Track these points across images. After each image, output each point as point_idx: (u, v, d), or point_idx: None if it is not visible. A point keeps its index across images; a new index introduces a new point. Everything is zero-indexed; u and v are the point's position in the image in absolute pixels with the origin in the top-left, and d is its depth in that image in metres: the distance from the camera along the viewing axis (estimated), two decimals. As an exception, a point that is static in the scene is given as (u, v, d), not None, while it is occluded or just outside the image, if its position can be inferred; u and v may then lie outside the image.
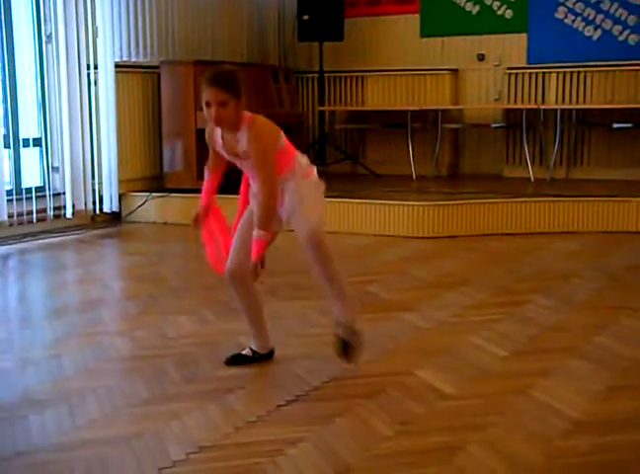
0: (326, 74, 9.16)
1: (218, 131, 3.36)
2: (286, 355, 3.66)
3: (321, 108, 9.17)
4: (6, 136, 6.68)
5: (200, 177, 7.72)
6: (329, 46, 9.00)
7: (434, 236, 6.55)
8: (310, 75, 9.43)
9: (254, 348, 3.59)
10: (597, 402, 3.11)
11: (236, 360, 3.56)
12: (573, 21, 8.34)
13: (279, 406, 3.08)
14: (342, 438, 2.79)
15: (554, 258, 5.87)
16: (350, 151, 9.14)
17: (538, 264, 5.66)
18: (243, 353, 3.59)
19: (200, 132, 7.42)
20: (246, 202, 3.57)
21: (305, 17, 8.85)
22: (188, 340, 3.95)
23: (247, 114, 3.28)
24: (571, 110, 8.29)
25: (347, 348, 3.45)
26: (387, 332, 4.04)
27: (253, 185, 3.44)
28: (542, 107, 8.33)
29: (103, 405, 3.11)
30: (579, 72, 8.34)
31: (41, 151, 7.16)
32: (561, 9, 8.37)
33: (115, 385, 3.33)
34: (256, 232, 3.32)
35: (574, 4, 8.31)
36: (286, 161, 3.37)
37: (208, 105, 3.20)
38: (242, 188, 3.62)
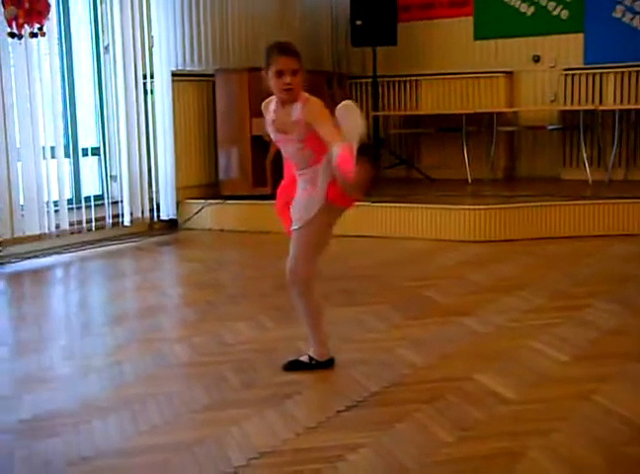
0: (380, 79, 9.15)
1: (271, 108, 3.39)
2: (344, 360, 3.66)
3: (375, 113, 9.16)
4: (66, 146, 6.80)
5: (256, 183, 7.80)
6: (382, 51, 8.99)
7: (490, 240, 6.50)
8: (364, 80, 9.43)
9: (312, 355, 3.60)
10: (661, 407, 3.06)
11: (293, 366, 3.58)
12: (631, 19, 8.21)
13: (338, 412, 3.08)
14: (402, 444, 2.78)
15: (613, 261, 5.78)
16: (404, 156, 9.12)
17: (597, 267, 5.58)
18: (301, 359, 3.60)
19: (256, 139, 7.54)
20: (290, 197, 3.50)
21: (358, 22, 8.85)
22: (246, 346, 3.97)
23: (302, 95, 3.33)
24: (629, 110, 8.16)
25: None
26: (445, 336, 4.01)
27: (298, 173, 3.41)
28: (600, 108, 8.21)
29: (164, 411, 3.14)
30: (637, 72, 8.20)
31: (100, 160, 7.27)
32: (619, 8, 8.25)
33: (175, 391, 3.36)
34: (335, 148, 3.12)
35: (632, 2, 8.18)
36: (321, 150, 3.29)
37: (281, 74, 3.26)
38: (284, 183, 3.60)
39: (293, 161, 3.42)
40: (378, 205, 6.82)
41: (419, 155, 9.23)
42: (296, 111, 3.30)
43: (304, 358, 3.59)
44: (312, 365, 3.56)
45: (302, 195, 3.40)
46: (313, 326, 3.56)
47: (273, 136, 3.44)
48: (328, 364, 3.58)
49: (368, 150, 3.04)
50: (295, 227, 3.45)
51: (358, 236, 6.85)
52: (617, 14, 8.27)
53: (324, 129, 3.22)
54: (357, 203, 3.43)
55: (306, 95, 3.33)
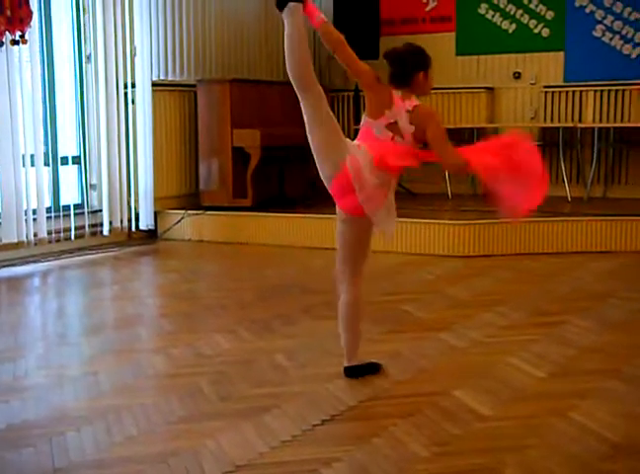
0: (361, 93, 9.17)
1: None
2: (322, 374, 3.65)
3: (357, 126, 9.16)
4: (46, 154, 6.77)
5: (237, 195, 7.79)
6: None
7: (469, 255, 6.52)
8: (346, 93, 9.46)
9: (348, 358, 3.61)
10: (636, 425, 3.07)
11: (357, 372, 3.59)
12: (611, 39, 8.29)
13: (314, 425, 3.07)
14: (377, 459, 2.77)
15: (591, 278, 5.81)
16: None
17: (575, 284, 5.60)
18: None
19: (237, 151, 7.53)
20: None
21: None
22: (223, 358, 3.96)
23: None
24: (608, 128, 8.22)
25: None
26: (423, 351, 4.01)
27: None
28: (579, 125, 8.27)
29: (139, 422, 3.12)
30: (617, 90, 8.28)
31: (80, 169, 7.24)
32: (599, 27, 8.32)
33: (150, 403, 3.34)
34: None
35: (612, 22, 8.27)
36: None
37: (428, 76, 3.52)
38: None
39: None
40: (358, 219, 6.81)
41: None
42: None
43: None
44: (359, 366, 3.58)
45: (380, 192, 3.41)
46: (355, 334, 3.58)
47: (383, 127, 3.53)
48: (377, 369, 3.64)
49: None
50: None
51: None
52: (597, 33, 8.35)
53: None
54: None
55: None
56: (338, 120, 9.71)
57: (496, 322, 4.56)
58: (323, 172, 3.43)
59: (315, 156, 3.42)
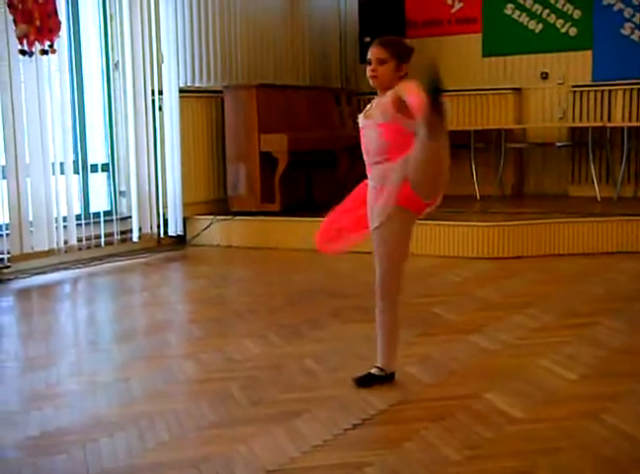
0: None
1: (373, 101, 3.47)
2: (352, 377, 3.65)
3: (383, 129, 9.16)
4: (75, 162, 6.82)
5: (264, 200, 7.81)
6: (391, 68, 9.00)
7: (498, 257, 6.49)
8: (372, 96, 9.42)
9: (380, 365, 3.57)
10: (670, 427, 3.04)
11: (366, 382, 3.54)
12: None
13: (345, 430, 3.06)
14: (409, 463, 2.76)
15: (622, 278, 5.76)
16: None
17: (606, 285, 5.56)
18: (372, 372, 3.57)
19: (264, 156, 7.55)
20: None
21: (367, 39, 8.86)
22: (253, 363, 3.97)
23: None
24: (638, 127, 8.15)
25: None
26: (453, 354, 4.00)
27: (371, 164, 3.47)
28: (609, 125, 8.20)
29: (171, 428, 3.14)
30: (646, 89, 8.21)
31: (109, 176, 7.30)
32: (627, 25, 8.25)
33: (182, 408, 3.35)
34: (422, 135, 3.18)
35: (641, 20, 8.20)
36: (397, 147, 3.37)
37: (370, 63, 3.40)
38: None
39: (369, 148, 3.46)
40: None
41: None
42: (387, 95, 3.36)
43: (375, 371, 3.56)
44: (385, 378, 3.54)
45: (373, 194, 3.46)
46: (390, 340, 3.54)
47: (360, 124, 3.50)
48: (392, 377, 3.58)
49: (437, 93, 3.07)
50: (374, 226, 3.46)
51: (367, 253, 6.83)
52: (626, 31, 8.28)
53: (410, 94, 3.21)
54: (427, 211, 3.46)
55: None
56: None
57: (526, 324, 4.53)
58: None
59: None
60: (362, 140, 3.51)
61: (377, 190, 3.43)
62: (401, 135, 3.35)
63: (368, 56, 3.41)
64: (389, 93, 3.35)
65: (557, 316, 4.71)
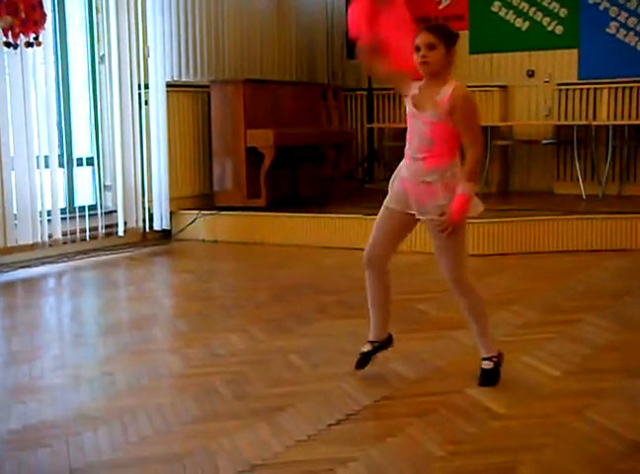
0: (375, 92, 9.17)
1: (416, 85, 3.40)
2: (337, 373, 3.66)
3: (370, 125, 9.18)
4: (60, 156, 6.79)
5: (250, 195, 7.81)
6: (378, 64, 8.99)
7: (483, 254, 6.50)
8: (359, 93, 9.46)
9: (373, 338, 3.61)
10: (653, 423, 3.05)
11: (365, 361, 3.57)
12: (625, 36, 8.26)
13: (329, 425, 3.07)
14: (393, 458, 2.77)
15: (606, 276, 5.79)
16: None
17: (590, 282, 5.58)
18: (364, 350, 3.60)
19: (250, 151, 7.54)
20: None
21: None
22: (238, 358, 3.96)
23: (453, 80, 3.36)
24: (623, 125, 8.19)
25: (485, 377, 3.48)
26: (438, 350, 4.01)
27: (413, 150, 3.41)
28: (594, 123, 8.24)
29: (154, 422, 3.13)
30: (631, 88, 8.24)
31: (94, 170, 7.26)
32: (613, 24, 8.29)
33: (166, 402, 3.35)
34: (462, 187, 3.28)
35: (626, 18, 8.23)
36: (444, 147, 3.36)
37: (418, 49, 3.32)
38: None
39: (413, 140, 3.41)
40: (373, 218, 6.82)
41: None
42: (446, 92, 3.31)
43: (367, 348, 3.59)
44: (377, 349, 3.59)
45: (419, 189, 3.38)
46: (383, 307, 3.59)
47: (408, 110, 3.43)
48: (390, 341, 3.66)
49: None
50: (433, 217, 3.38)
51: (354, 248, 6.84)
52: (611, 30, 8.32)
53: (471, 128, 3.31)
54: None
55: (457, 82, 3.35)
56: (351, 119, 9.68)
57: (511, 321, 4.55)
58: None
59: None
60: (409, 128, 3.43)
61: (427, 185, 3.35)
62: (447, 132, 3.32)
63: (415, 43, 3.32)
64: (447, 89, 3.30)
65: (541, 313, 4.73)
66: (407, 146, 3.44)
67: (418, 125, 3.37)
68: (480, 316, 3.53)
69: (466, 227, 3.47)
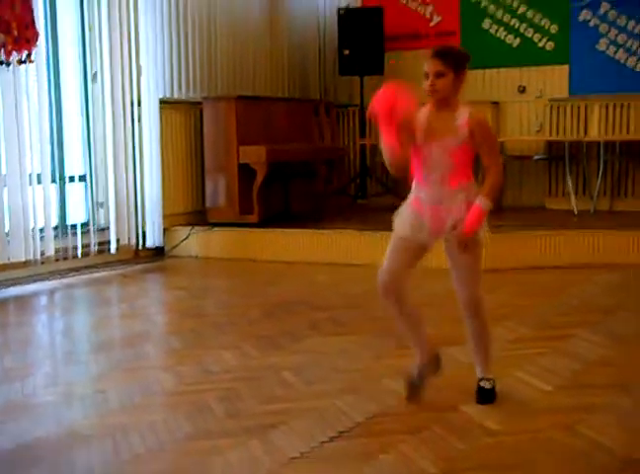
0: (367, 107, 9.19)
1: (424, 111, 3.36)
2: (329, 390, 3.65)
3: (362, 141, 9.20)
4: (53, 173, 6.79)
5: (243, 211, 7.80)
6: (370, 80, 9.05)
7: (476, 269, 6.50)
8: (351, 108, 9.49)
9: (419, 361, 3.53)
10: (645, 439, 3.06)
11: (416, 391, 3.49)
12: (615, 52, 8.32)
13: (322, 442, 3.06)
14: (386, 475, 2.77)
15: (598, 291, 5.80)
16: (391, 184, 9.14)
17: (582, 297, 5.60)
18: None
19: (243, 167, 7.56)
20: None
21: (346, 52, 8.93)
22: (231, 375, 3.96)
23: (463, 104, 3.34)
24: (614, 141, 8.23)
25: (484, 395, 3.47)
26: (430, 367, 4.00)
27: (435, 177, 3.34)
28: (585, 139, 8.28)
29: (147, 440, 3.12)
30: (622, 104, 8.30)
31: (87, 187, 7.26)
32: (602, 40, 8.36)
33: (159, 420, 3.34)
34: (481, 200, 3.27)
35: (616, 35, 8.30)
36: (466, 161, 3.35)
37: (427, 76, 3.30)
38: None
39: (433, 169, 3.33)
40: (366, 234, 6.84)
41: (406, 184, 9.24)
42: (462, 117, 3.30)
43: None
44: (424, 374, 3.52)
45: (441, 212, 3.34)
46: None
47: (418, 139, 3.34)
48: (438, 361, 3.60)
49: None
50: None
51: (346, 264, 6.87)
52: (601, 46, 8.38)
53: (491, 153, 3.35)
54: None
55: (468, 107, 3.34)
56: (343, 135, 9.66)
57: (503, 336, 4.55)
58: None
59: None
60: (423, 158, 3.35)
61: (453, 205, 3.32)
62: (467, 154, 3.32)
63: (424, 70, 3.30)
64: (463, 114, 3.29)
65: (533, 328, 4.74)
66: (423, 176, 3.37)
67: (437, 153, 3.31)
68: (488, 336, 3.55)
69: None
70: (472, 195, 3.32)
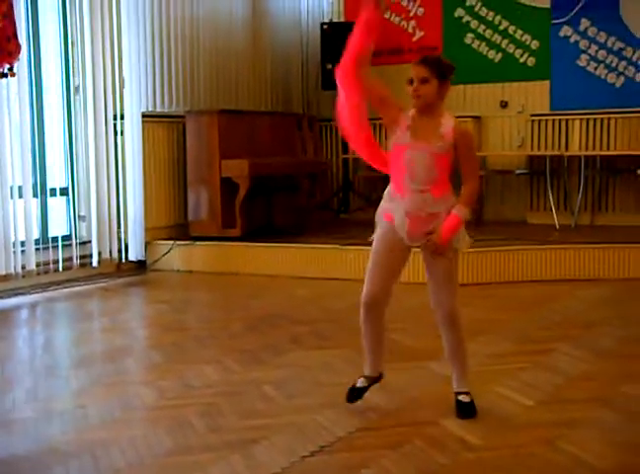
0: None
1: (409, 114, 3.41)
2: (311, 404, 3.65)
3: (345, 155, 9.22)
4: (34, 186, 6.76)
5: (225, 225, 7.79)
6: (352, 95, 9.05)
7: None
8: (334, 123, 9.48)
9: (367, 374, 3.60)
10: (627, 454, 3.06)
11: (359, 396, 3.57)
12: (595, 68, 8.38)
13: (303, 457, 3.06)
14: (367, 491, 2.76)
15: (579, 305, 5.82)
16: (374, 198, 9.16)
17: (563, 311, 5.61)
18: (358, 385, 3.59)
19: (225, 181, 7.55)
20: None
21: (329, 66, 8.94)
22: (212, 389, 3.94)
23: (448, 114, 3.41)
24: (595, 156, 8.29)
25: (465, 409, 3.47)
26: (412, 381, 4.01)
27: (417, 182, 3.38)
28: (566, 153, 8.33)
29: (127, 456, 3.11)
30: (602, 119, 8.36)
31: (68, 200, 7.24)
32: (583, 56, 8.42)
33: (139, 435, 3.32)
34: (459, 210, 3.36)
35: (596, 51, 8.37)
36: (448, 171, 3.42)
37: (411, 82, 3.35)
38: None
39: (415, 172, 3.37)
40: (348, 248, 6.85)
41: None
42: (447, 125, 3.37)
43: (361, 384, 3.59)
44: (370, 385, 3.59)
45: (420, 220, 3.41)
46: (379, 344, 3.58)
47: (402, 140, 3.39)
48: (380, 378, 3.65)
49: None
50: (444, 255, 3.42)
51: (329, 279, 6.87)
52: (582, 62, 8.44)
53: (471, 164, 3.44)
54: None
55: (453, 117, 3.41)
56: (326, 150, 9.68)
57: (484, 350, 4.56)
58: None
59: None
60: (405, 161, 3.38)
61: (433, 215, 3.39)
62: (448, 164, 3.38)
63: (409, 76, 3.37)
64: (447, 123, 3.36)
65: (514, 343, 4.75)
66: (404, 178, 3.39)
67: (420, 156, 3.35)
68: (464, 349, 3.57)
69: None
70: (451, 207, 3.36)
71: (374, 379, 3.64)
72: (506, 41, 8.81)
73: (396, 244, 3.47)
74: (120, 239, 7.46)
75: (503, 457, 3.03)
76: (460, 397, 3.51)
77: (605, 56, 8.34)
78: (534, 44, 8.68)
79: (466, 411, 3.47)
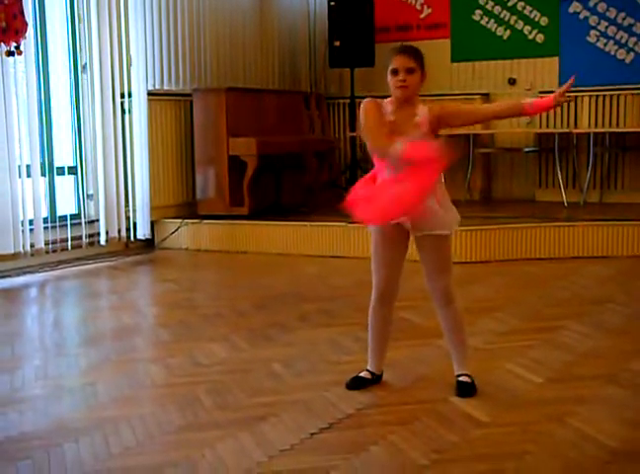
0: (357, 99, 9.17)
1: (388, 109, 3.38)
2: (319, 382, 3.65)
3: (352, 133, 9.19)
4: (42, 165, 6.76)
5: (233, 203, 7.78)
6: (360, 72, 9.03)
7: (466, 261, 6.52)
8: (342, 101, 9.47)
9: (371, 369, 3.61)
10: (635, 431, 3.06)
11: (360, 385, 3.56)
12: (605, 44, 8.32)
13: (312, 434, 3.06)
14: (376, 467, 2.77)
15: (588, 283, 5.81)
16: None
17: (572, 289, 5.61)
18: (361, 375, 3.60)
19: (233, 159, 7.54)
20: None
21: (336, 43, 8.90)
22: (220, 367, 3.95)
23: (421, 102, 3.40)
24: (604, 133, 8.24)
25: (465, 388, 3.47)
26: (421, 358, 4.02)
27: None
28: (575, 131, 8.29)
29: (137, 433, 3.12)
30: (611, 95, 8.30)
31: (76, 179, 7.24)
32: (593, 32, 8.36)
33: (148, 413, 3.34)
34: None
35: (606, 27, 8.30)
36: None
37: (395, 72, 3.30)
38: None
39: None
40: (355, 226, 6.84)
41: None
42: (422, 112, 3.35)
43: (365, 375, 3.59)
44: (373, 380, 3.59)
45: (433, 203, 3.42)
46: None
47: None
48: (380, 379, 3.64)
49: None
50: (442, 234, 3.47)
51: (336, 256, 6.87)
52: (591, 39, 8.38)
53: (464, 107, 3.56)
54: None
55: (425, 105, 3.38)
56: (333, 127, 9.65)
57: (493, 328, 4.56)
58: None
59: None
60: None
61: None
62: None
63: (393, 66, 3.29)
64: (422, 110, 3.35)
65: (523, 320, 4.75)
66: (390, 171, 3.37)
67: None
68: (463, 327, 3.56)
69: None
70: (439, 193, 3.35)
71: (376, 377, 3.63)
72: (514, 18, 8.74)
73: (393, 236, 3.46)
74: (127, 217, 7.46)
75: (511, 434, 3.03)
76: (461, 378, 3.52)
77: (615, 32, 8.27)
78: (543, 21, 8.61)
79: (466, 390, 3.46)
